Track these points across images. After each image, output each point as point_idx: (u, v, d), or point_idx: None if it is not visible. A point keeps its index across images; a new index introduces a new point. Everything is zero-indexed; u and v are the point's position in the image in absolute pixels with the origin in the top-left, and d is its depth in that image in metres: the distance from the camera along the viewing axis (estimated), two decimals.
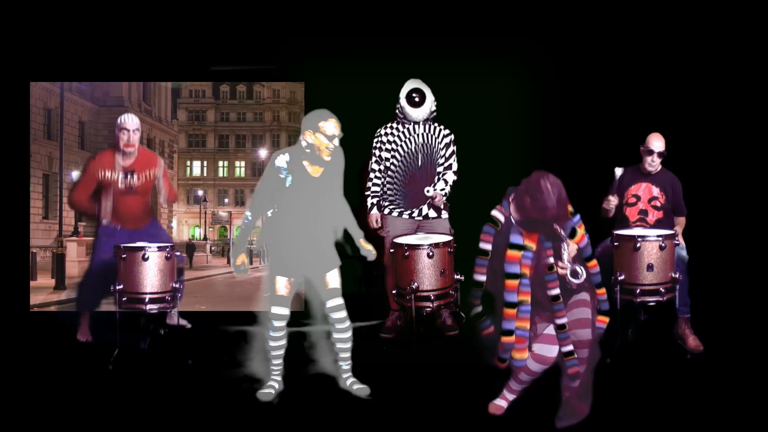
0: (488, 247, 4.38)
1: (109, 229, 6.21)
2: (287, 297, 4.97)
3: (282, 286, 4.95)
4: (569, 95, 7.19)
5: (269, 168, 4.85)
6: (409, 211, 6.46)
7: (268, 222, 4.99)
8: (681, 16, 7.01)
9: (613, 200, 5.99)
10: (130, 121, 6.13)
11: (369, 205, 6.53)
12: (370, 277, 6.90)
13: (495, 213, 4.40)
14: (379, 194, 6.54)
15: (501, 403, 4.64)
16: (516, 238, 4.33)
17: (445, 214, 6.49)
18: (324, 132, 4.77)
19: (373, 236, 6.70)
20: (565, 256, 4.28)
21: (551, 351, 4.42)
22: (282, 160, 4.83)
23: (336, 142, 4.80)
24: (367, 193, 6.56)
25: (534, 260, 4.35)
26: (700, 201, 6.43)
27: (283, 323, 4.99)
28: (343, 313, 5.03)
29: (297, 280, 5.00)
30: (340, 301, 5.02)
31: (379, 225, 6.54)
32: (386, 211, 6.52)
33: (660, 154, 5.96)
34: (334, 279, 5.01)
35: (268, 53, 7.49)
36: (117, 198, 6.20)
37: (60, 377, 5.44)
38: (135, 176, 6.19)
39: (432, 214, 6.45)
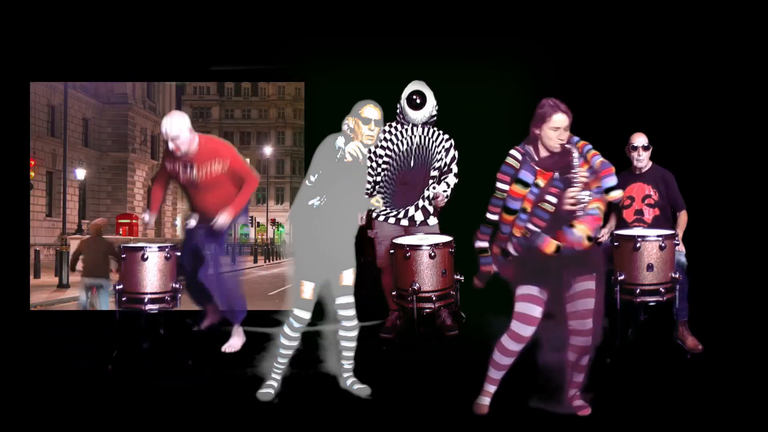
0: (505, 186, 4.40)
1: (188, 229, 6.05)
2: (311, 301, 4.96)
3: (308, 290, 4.92)
4: (569, 95, 7.16)
5: (325, 147, 4.85)
6: (395, 215, 6.45)
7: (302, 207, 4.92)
8: (680, 16, 7.00)
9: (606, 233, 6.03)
10: (166, 130, 5.68)
11: None
12: (370, 277, 6.89)
13: (513, 152, 4.48)
14: (369, 191, 6.52)
15: (484, 401, 4.62)
16: (526, 176, 4.36)
17: (433, 220, 6.47)
18: (361, 114, 4.84)
19: (362, 238, 6.71)
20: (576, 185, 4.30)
21: (526, 330, 4.42)
22: (340, 140, 4.85)
23: (372, 126, 4.82)
24: None
25: (538, 196, 4.37)
26: (701, 202, 6.44)
27: (302, 326, 4.99)
28: (352, 311, 5.06)
29: (321, 283, 5.00)
30: (351, 299, 5.05)
31: (364, 223, 6.51)
32: (374, 214, 6.52)
33: (644, 148, 6.00)
34: (348, 277, 5.02)
35: (268, 53, 7.50)
36: (189, 191, 5.95)
37: (60, 377, 5.45)
38: (194, 169, 5.82)
39: (419, 217, 6.43)
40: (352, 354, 5.14)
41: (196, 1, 7.14)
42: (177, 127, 5.65)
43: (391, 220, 6.47)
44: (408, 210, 6.45)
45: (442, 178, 6.43)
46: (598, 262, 4.50)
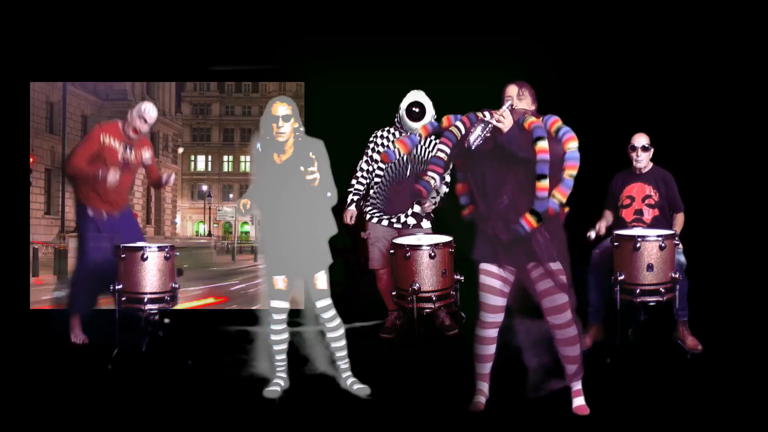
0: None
1: (94, 222, 6.24)
2: (285, 291, 4.99)
3: (279, 280, 4.98)
4: (569, 95, 7.18)
5: (252, 153, 5.01)
6: (388, 218, 6.45)
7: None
8: (681, 16, 7.00)
9: (602, 226, 6.05)
10: (153, 114, 6.23)
11: (348, 200, 6.48)
12: (370, 277, 6.90)
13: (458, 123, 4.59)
14: (361, 193, 6.52)
15: (479, 399, 4.66)
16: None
17: (426, 224, 6.47)
18: (270, 112, 4.83)
19: (354, 236, 6.74)
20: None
21: (490, 317, 4.53)
22: (259, 144, 4.95)
23: (280, 122, 4.80)
24: (349, 189, 6.50)
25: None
26: (699, 201, 6.45)
27: (283, 316, 5.03)
28: (332, 313, 5.02)
29: (293, 276, 5.02)
30: (328, 301, 5.00)
31: (353, 222, 6.51)
32: (367, 216, 6.52)
33: (644, 149, 6.01)
34: (321, 280, 4.99)
35: (268, 53, 7.50)
36: (107, 172, 6.17)
37: (60, 377, 5.45)
38: (132, 152, 6.26)
39: (411, 222, 6.44)
40: (344, 353, 5.12)
41: (196, 1, 7.14)
42: (156, 115, 6.23)
43: (384, 222, 6.47)
44: (400, 216, 6.45)
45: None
46: (557, 248, 4.50)
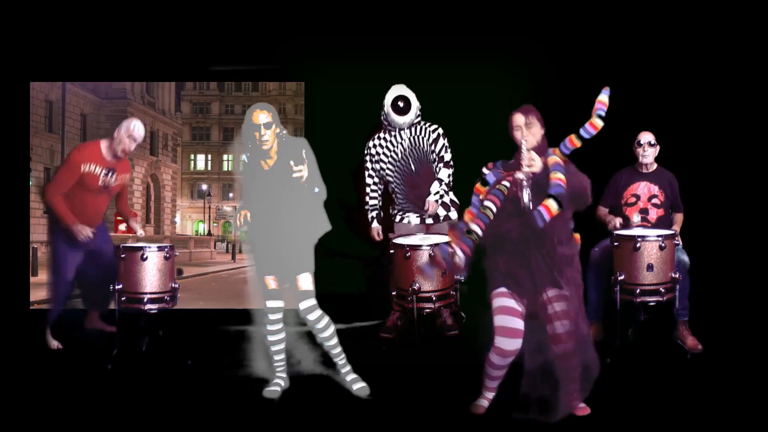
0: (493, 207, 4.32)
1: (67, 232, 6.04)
2: (278, 290, 5.00)
3: (270, 280, 4.99)
4: (569, 95, 7.18)
5: (241, 167, 5.01)
6: (417, 215, 6.44)
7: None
8: (681, 16, 6.99)
9: (618, 222, 6.01)
10: (141, 132, 6.03)
11: (369, 218, 6.56)
12: (370, 277, 6.91)
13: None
14: (377, 207, 6.56)
15: (482, 403, 4.65)
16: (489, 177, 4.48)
17: (454, 214, 6.46)
18: (252, 121, 4.82)
19: (376, 244, 6.73)
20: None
21: (510, 344, 4.40)
22: (245, 155, 4.95)
23: (262, 131, 4.80)
24: (366, 207, 6.59)
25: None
26: (700, 202, 6.45)
27: (278, 316, 5.03)
28: (318, 313, 4.97)
29: (281, 276, 5.02)
30: (312, 302, 4.96)
31: (381, 238, 6.54)
32: (397, 218, 6.52)
33: (650, 144, 5.99)
34: (306, 281, 4.96)
35: (268, 53, 7.51)
36: (93, 196, 6.09)
37: (59, 377, 5.46)
38: (114, 176, 6.11)
39: (441, 212, 6.43)
40: (339, 350, 5.08)
41: (196, 1, 7.14)
42: (143, 133, 6.05)
43: (416, 221, 6.46)
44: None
45: (436, 174, 6.39)
46: (573, 273, 4.45)
